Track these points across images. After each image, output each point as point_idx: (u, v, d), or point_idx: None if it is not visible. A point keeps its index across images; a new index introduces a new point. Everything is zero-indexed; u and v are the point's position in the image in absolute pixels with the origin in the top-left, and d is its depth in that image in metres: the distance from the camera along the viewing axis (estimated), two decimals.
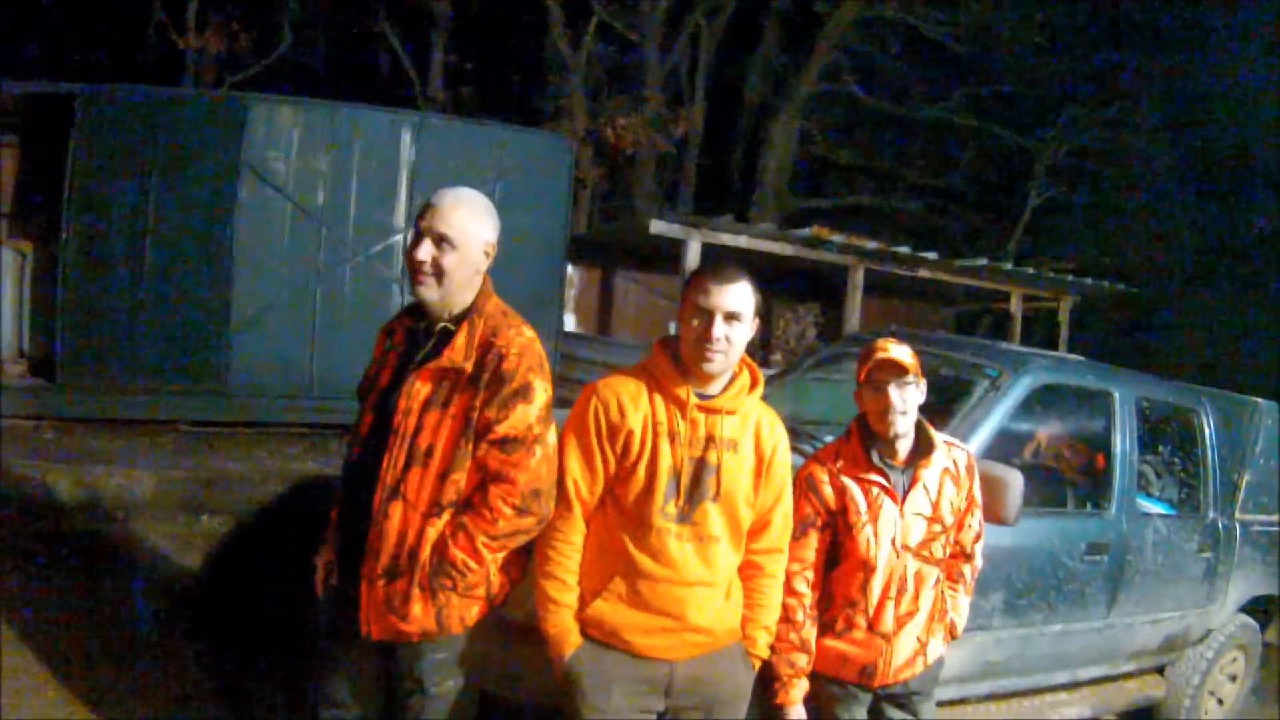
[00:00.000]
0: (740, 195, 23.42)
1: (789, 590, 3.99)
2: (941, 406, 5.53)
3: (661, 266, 16.71)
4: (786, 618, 3.97)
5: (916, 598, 4.16)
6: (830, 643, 4.14)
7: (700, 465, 3.58)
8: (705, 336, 3.53)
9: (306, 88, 13.80)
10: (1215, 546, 7.01)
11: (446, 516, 3.51)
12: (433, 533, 3.50)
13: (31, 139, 12.17)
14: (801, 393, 7.25)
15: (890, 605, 4.11)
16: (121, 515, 7.57)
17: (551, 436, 3.58)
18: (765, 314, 3.73)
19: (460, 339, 3.54)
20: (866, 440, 4.19)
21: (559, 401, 3.68)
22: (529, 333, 3.63)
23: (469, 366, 3.50)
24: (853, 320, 15.56)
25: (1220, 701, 7.64)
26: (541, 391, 3.54)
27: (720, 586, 3.66)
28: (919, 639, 4.20)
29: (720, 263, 3.75)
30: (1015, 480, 4.88)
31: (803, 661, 4.03)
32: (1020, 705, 6.32)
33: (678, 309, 3.75)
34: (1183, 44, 24.34)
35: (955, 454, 4.32)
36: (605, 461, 3.61)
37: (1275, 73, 23.71)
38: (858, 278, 15.64)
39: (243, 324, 10.47)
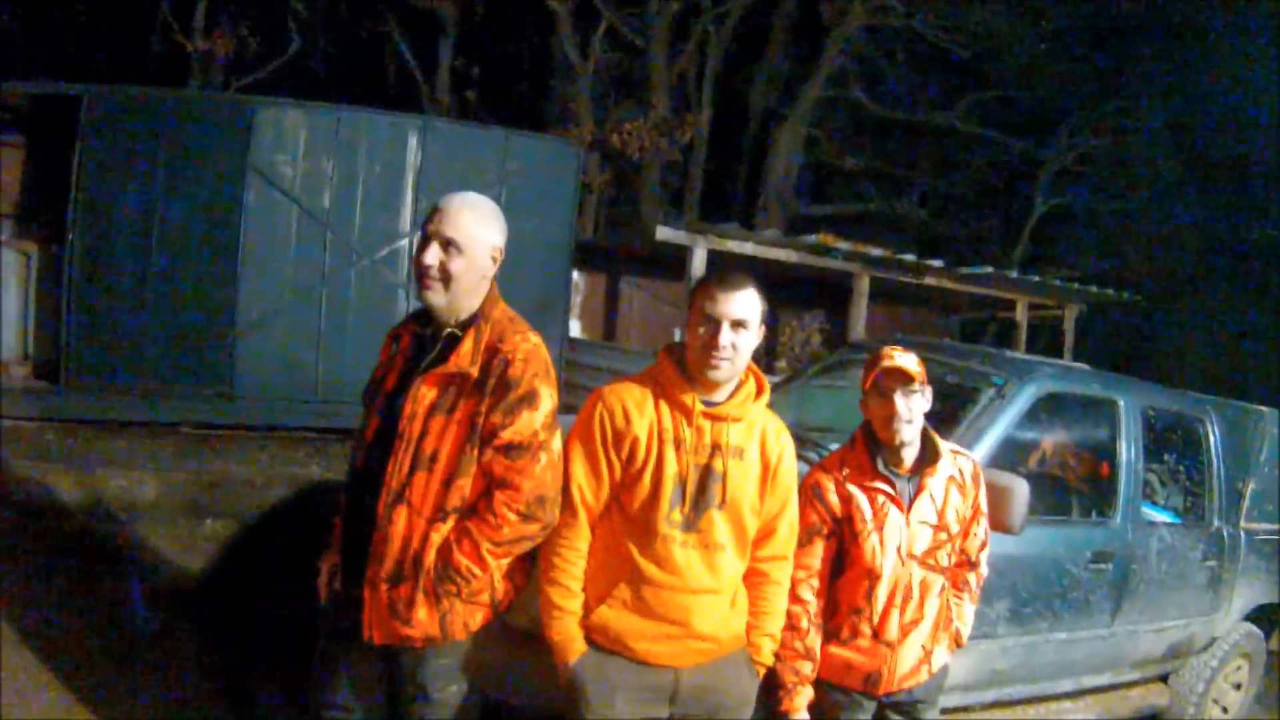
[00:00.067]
0: (746, 202, 23.44)
1: (794, 598, 3.99)
2: (947, 414, 5.53)
3: (666, 273, 16.69)
4: (791, 625, 3.96)
5: (921, 606, 4.15)
6: (835, 650, 4.13)
7: (706, 473, 3.58)
8: (712, 344, 3.53)
9: (313, 91, 13.85)
10: (1220, 555, 7.00)
11: (451, 522, 3.50)
12: (437, 538, 3.49)
13: (37, 140, 12.20)
14: (806, 400, 7.24)
15: (895, 613, 4.10)
16: (124, 517, 7.58)
17: (557, 443, 3.57)
18: (770, 321, 3.73)
19: (466, 344, 3.53)
20: (872, 448, 4.18)
21: (564, 408, 3.67)
22: (535, 339, 3.61)
23: (475, 372, 3.49)
24: (858, 327, 15.53)
25: (1224, 710, 7.63)
26: (547, 398, 3.53)
27: (726, 594, 3.65)
28: (924, 647, 4.19)
29: (727, 270, 3.74)
30: (1021, 489, 4.87)
31: (807, 669, 4.02)
32: (1025, 713, 6.31)
33: (684, 316, 3.74)
34: (1186, 50, 24.31)
35: (961, 462, 4.31)
36: (610, 468, 3.61)
37: (1278, 77, 23.68)
38: (863, 285, 15.60)
39: (248, 327, 10.47)
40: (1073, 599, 6.02)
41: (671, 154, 21.17)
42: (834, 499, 4.13)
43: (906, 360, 4.11)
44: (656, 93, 21.12)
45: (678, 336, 13.40)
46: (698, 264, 13.80)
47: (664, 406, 3.62)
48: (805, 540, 4.04)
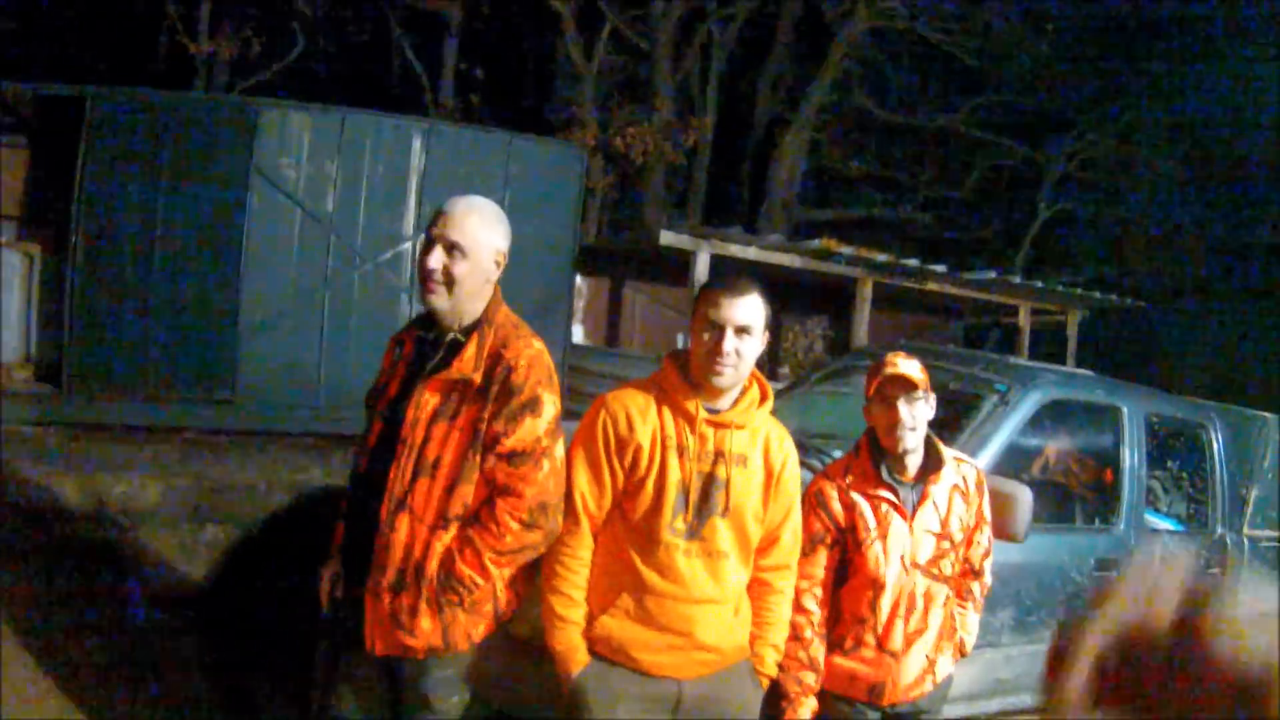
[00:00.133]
0: (749, 206, 23.44)
1: (797, 608, 3.97)
2: (950, 421, 5.52)
3: (670, 277, 16.69)
4: (795, 635, 3.94)
5: (926, 615, 4.12)
6: (839, 661, 4.11)
7: (709, 480, 3.56)
8: (716, 350, 3.51)
9: (316, 94, 13.85)
10: (1223, 562, 6.97)
11: (453, 530, 3.48)
12: (439, 546, 3.47)
13: (41, 141, 12.20)
14: (810, 407, 7.22)
15: (899, 623, 4.08)
16: (127, 523, 7.56)
17: (560, 450, 3.56)
18: (773, 327, 3.72)
19: (470, 350, 3.52)
20: (876, 456, 4.16)
21: (567, 413, 3.66)
22: (538, 344, 3.60)
23: (478, 378, 3.48)
24: (861, 333, 15.53)
25: None
26: (550, 405, 3.52)
27: (729, 603, 3.63)
28: (928, 657, 4.16)
29: (731, 276, 3.72)
30: (1025, 496, 4.86)
31: (811, 680, 4.00)
32: None
33: (689, 322, 3.73)
34: (1188, 53, 24.32)
35: (965, 470, 4.29)
36: (613, 476, 3.59)
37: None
38: (866, 290, 15.60)
39: (251, 331, 10.47)
40: (1077, 607, 6.00)
41: (675, 158, 21.18)
42: (837, 507, 4.11)
43: (910, 367, 4.09)
44: (660, 96, 21.14)
45: (680, 342, 13.40)
46: (701, 268, 13.81)
47: (667, 413, 3.60)
48: (809, 549, 4.01)
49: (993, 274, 16.74)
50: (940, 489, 4.15)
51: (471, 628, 3.53)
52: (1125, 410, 6.49)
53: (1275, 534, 7.52)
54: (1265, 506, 7.53)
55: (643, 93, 22.00)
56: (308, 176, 10.73)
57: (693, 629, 3.54)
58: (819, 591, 4.06)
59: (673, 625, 3.53)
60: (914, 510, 4.10)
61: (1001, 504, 4.65)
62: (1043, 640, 5.90)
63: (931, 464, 4.16)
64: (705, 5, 22.06)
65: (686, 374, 3.65)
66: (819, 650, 4.04)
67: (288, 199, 10.59)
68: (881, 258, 15.37)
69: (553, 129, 20.37)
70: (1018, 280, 17.65)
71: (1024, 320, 18.49)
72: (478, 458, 3.48)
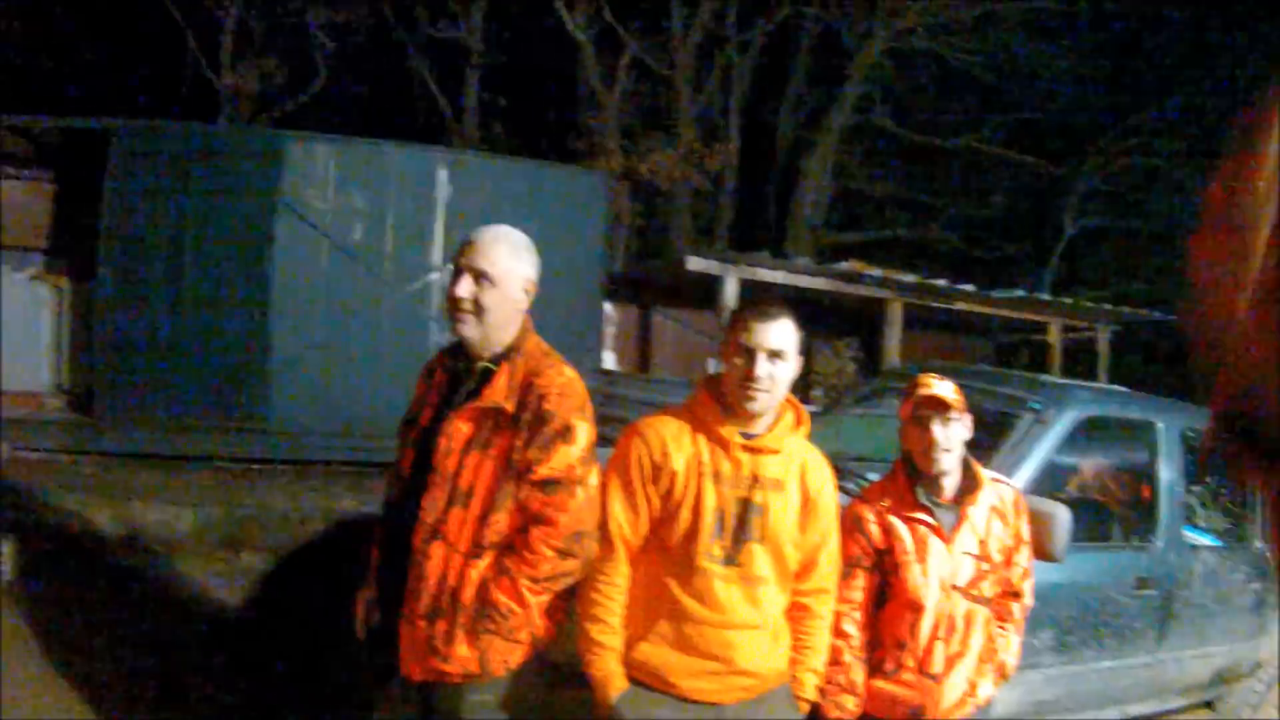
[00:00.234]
0: (776, 230, 23.41)
1: (837, 632, 3.94)
2: (985, 442, 5.49)
3: (698, 302, 16.66)
4: (834, 660, 3.92)
5: (966, 638, 4.09)
6: (879, 684, 4.07)
7: (745, 506, 3.53)
8: (749, 375, 3.50)
9: (340, 125, 13.92)
10: (1264, 577, 6.90)
11: (488, 558, 3.47)
12: (474, 574, 3.45)
13: (68, 175, 12.29)
14: (844, 430, 7.19)
15: (939, 646, 4.04)
16: (161, 551, 7.58)
17: (594, 478, 3.54)
18: (804, 350, 3.70)
19: (501, 379, 3.51)
20: (912, 478, 4.13)
21: (599, 440, 3.64)
22: (570, 372, 3.58)
23: (510, 406, 3.47)
24: (892, 355, 15.49)
25: None
26: (583, 432, 3.50)
27: (768, 629, 3.60)
28: (969, 680, 4.12)
29: (762, 301, 3.72)
30: (1063, 516, 4.82)
31: (851, 704, 3.97)
32: None
33: (721, 347, 3.72)
34: (1210, 64, 24.18)
35: (1002, 490, 4.26)
36: (649, 502, 3.58)
37: None
38: (895, 311, 15.56)
39: (282, 361, 10.50)
40: (1117, 626, 5.97)
41: (700, 184, 21.18)
42: (875, 530, 4.08)
43: (944, 388, 4.06)
44: (683, 123, 21.15)
45: (711, 367, 13.37)
46: (729, 293, 13.80)
47: (702, 439, 3.58)
48: (847, 573, 3.99)
49: (1021, 292, 16.68)
50: (978, 510, 4.12)
51: (508, 654, 3.51)
52: (1161, 425, 6.45)
53: None
54: None
55: (665, 119, 22.01)
56: (334, 208, 10.77)
57: (731, 654, 3.51)
58: (858, 615, 4.04)
59: (711, 651, 3.51)
60: (952, 532, 4.07)
61: (1040, 524, 4.61)
62: (1083, 660, 5.86)
63: (969, 485, 4.13)
64: (724, 31, 22.07)
65: (720, 400, 3.63)
66: (859, 674, 4.01)
67: (315, 230, 10.63)
68: (910, 278, 15.34)
69: (576, 157, 20.38)
70: (1047, 297, 17.59)
71: (1054, 337, 18.41)
72: (511, 486, 3.46)
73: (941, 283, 15.60)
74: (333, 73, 21.66)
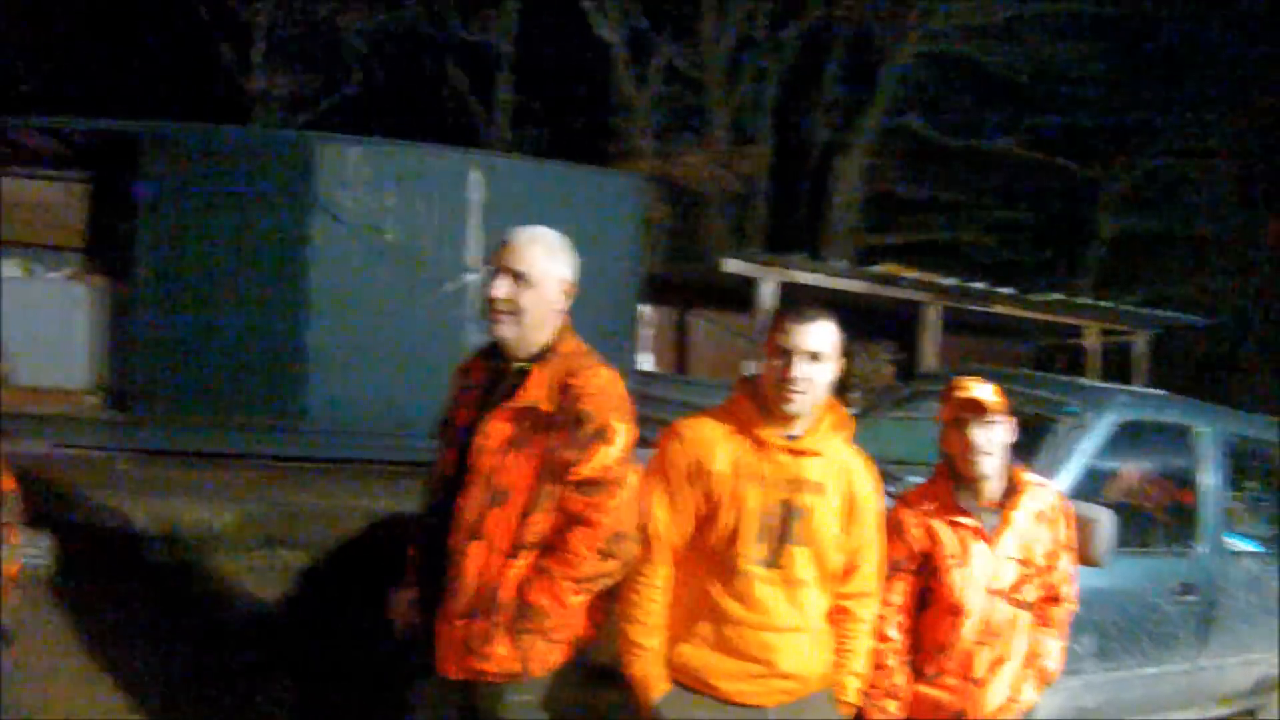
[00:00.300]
0: (810, 232, 23.36)
1: (879, 635, 3.91)
2: (1026, 445, 5.44)
3: (734, 304, 16.64)
4: (877, 664, 3.89)
5: (1009, 642, 4.06)
6: (921, 689, 4.05)
7: (786, 508, 3.51)
8: (786, 377, 3.48)
9: (372, 128, 13.95)
10: None
11: (526, 558, 3.46)
12: (513, 574, 3.44)
13: (104, 177, 12.36)
14: (882, 433, 7.15)
15: (982, 650, 4.01)
16: (199, 548, 7.59)
17: (633, 478, 3.51)
18: (843, 353, 3.67)
19: (538, 378, 3.51)
20: (954, 482, 4.11)
21: (640, 441, 3.61)
22: (607, 372, 3.57)
23: (547, 406, 3.46)
24: (929, 358, 15.43)
25: None
26: (622, 432, 3.48)
27: (809, 631, 3.58)
28: (1011, 685, 4.10)
29: (802, 303, 3.69)
30: (1106, 520, 4.78)
31: (893, 709, 3.94)
32: None
33: (754, 348, 3.70)
34: (1247, 65, 24.05)
35: (1045, 494, 4.22)
36: (690, 503, 3.56)
37: None
38: (932, 315, 15.50)
39: (317, 360, 10.50)
40: (1159, 633, 5.93)
41: (734, 186, 21.15)
42: (918, 534, 4.05)
43: (984, 391, 4.03)
44: (716, 125, 21.13)
45: (747, 369, 13.34)
46: (766, 296, 13.78)
47: (743, 441, 3.56)
48: (889, 576, 3.96)
49: (1059, 295, 16.61)
50: (1021, 514, 4.09)
51: (548, 655, 3.50)
52: (1201, 430, 6.40)
53: None
54: None
55: (698, 122, 22.01)
56: (368, 210, 10.77)
57: (773, 657, 3.49)
58: (901, 619, 4.01)
59: (753, 654, 3.49)
60: (995, 536, 4.04)
61: (1083, 528, 4.56)
62: (1124, 667, 5.81)
63: (1011, 489, 4.11)
64: (756, 33, 22.04)
65: (759, 401, 3.61)
66: (901, 678, 3.99)
67: (350, 232, 10.63)
68: (948, 281, 15.29)
69: (608, 160, 20.38)
70: (1085, 300, 17.50)
71: (1092, 341, 18.31)
72: (550, 486, 3.45)
73: (979, 285, 15.55)
74: (365, 76, 21.72)
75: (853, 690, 3.75)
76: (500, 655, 3.43)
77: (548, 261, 3.58)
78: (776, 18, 22.09)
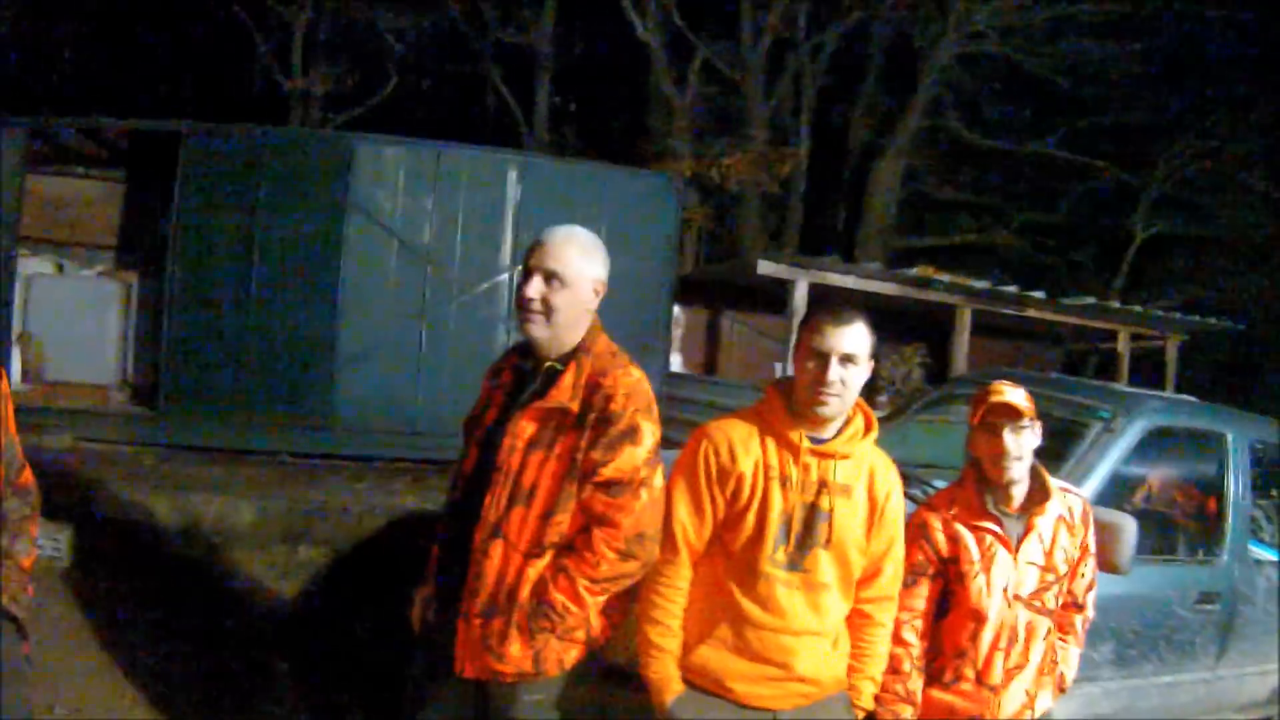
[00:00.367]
0: (845, 234, 23.31)
1: (897, 640, 3.91)
2: (1053, 450, 5.44)
3: (767, 306, 16.60)
4: (893, 668, 3.89)
5: (1027, 649, 4.05)
6: (937, 694, 4.05)
7: (812, 511, 3.51)
8: (820, 379, 3.47)
9: (410, 129, 13.98)
10: None
11: (548, 558, 3.47)
12: (533, 573, 3.46)
13: (137, 174, 12.45)
14: (910, 436, 7.14)
15: (1000, 656, 4.01)
16: (221, 543, 7.64)
17: (658, 480, 3.52)
18: (874, 355, 3.68)
19: (567, 378, 3.51)
20: (981, 486, 4.09)
21: (665, 442, 3.64)
22: (637, 373, 3.57)
23: (575, 406, 3.47)
24: (960, 361, 15.38)
25: None
26: (649, 434, 3.49)
27: (828, 635, 3.59)
28: (1028, 692, 4.09)
29: (835, 304, 3.68)
30: (1129, 527, 4.77)
31: (908, 714, 3.92)
32: None
33: (787, 351, 3.72)
34: None
35: (1070, 500, 4.21)
36: (714, 506, 3.56)
37: None
38: (965, 318, 15.43)
39: (349, 359, 10.54)
40: (1178, 641, 5.90)
41: (770, 187, 21.11)
42: (941, 539, 4.04)
43: (1015, 395, 4.02)
44: (754, 126, 21.09)
45: (779, 371, 13.34)
46: (799, 297, 13.74)
47: (770, 443, 3.56)
48: (910, 581, 3.95)
49: (1091, 299, 16.54)
50: (1045, 520, 4.08)
51: (563, 653, 3.51)
52: (1230, 437, 6.37)
53: None
54: None
55: (735, 123, 21.95)
56: (404, 209, 10.81)
57: (791, 660, 3.50)
58: (919, 624, 4.00)
59: (771, 657, 3.50)
60: (1019, 542, 4.03)
61: (1105, 534, 4.55)
62: (1142, 675, 5.80)
63: (1037, 495, 4.09)
64: (795, 35, 21.99)
65: (790, 404, 3.61)
66: (917, 683, 3.98)
67: (384, 231, 10.68)
68: (980, 285, 15.24)
69: (646, 161, 20.35)
70: (1116, 305, 17.42)
71: (1123, 346, 18.23)
72: (574, 486, 3.46)
73: (1012, 289, 15.47)
74: (403, 76, 21.75)
75: (868, 695, 3.76)
76: (515, 655, 3.44)
77: (582, 261, 3.58)
78: (816, 19, 22.03)
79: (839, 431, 3.61)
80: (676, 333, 15.51)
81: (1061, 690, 4.32)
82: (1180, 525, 7.00)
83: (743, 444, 3.58)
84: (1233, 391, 19.23)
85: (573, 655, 3.54)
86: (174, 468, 9.05)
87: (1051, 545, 4.08)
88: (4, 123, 10.66)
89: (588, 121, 23.97)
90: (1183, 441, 6.58)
